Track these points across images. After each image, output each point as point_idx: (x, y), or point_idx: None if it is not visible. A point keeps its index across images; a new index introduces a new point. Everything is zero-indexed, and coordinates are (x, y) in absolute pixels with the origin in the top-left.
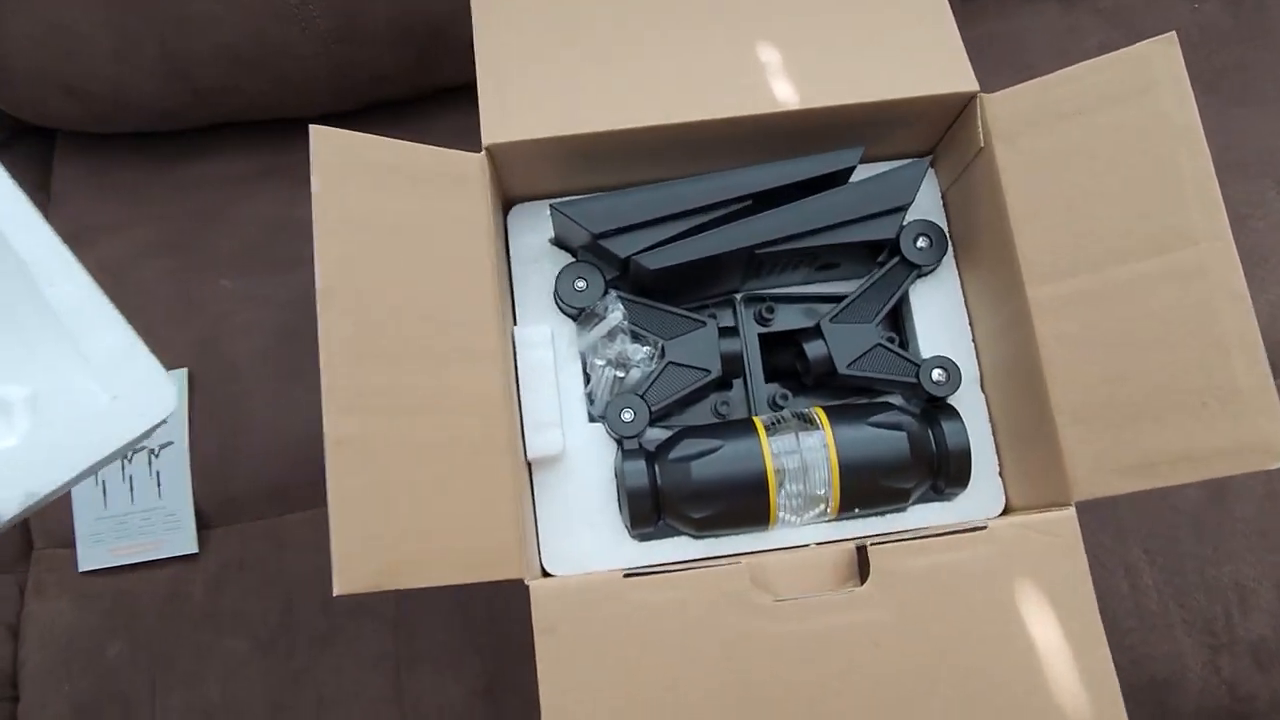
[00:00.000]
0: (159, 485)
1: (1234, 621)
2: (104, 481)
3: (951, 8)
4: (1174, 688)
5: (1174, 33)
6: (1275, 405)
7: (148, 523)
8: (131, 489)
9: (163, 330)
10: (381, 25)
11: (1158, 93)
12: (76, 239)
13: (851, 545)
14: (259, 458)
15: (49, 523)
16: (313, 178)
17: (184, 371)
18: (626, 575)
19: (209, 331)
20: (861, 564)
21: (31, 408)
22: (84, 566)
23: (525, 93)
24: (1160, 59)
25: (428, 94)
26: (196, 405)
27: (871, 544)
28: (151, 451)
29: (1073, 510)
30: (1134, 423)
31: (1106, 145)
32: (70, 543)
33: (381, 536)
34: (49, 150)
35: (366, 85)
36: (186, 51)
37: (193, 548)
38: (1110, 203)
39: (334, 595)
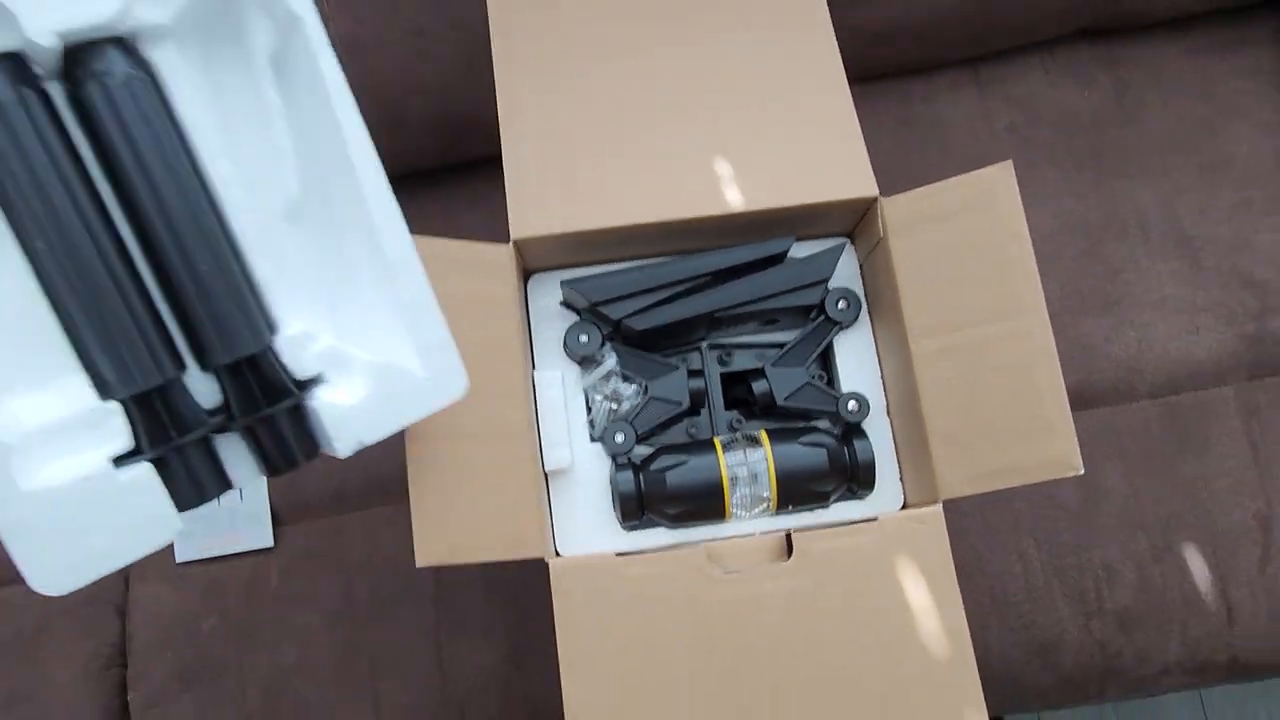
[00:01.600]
0: (241, 491)
1: (1103, 594)
2: None
3: (884, 93)
4: (1056, 648)
5: (1010, 160)
6: (1072, 432)
7: (232, 521)
8: None
9: None
10: (421, 119)
11: (997, 205)
12: None
13: (782, 533)
14: (322, 467)
15: None
16: None
17: None
18: (619, 555)
19: None
20: (789, 546)
21: (373, 377)
22: (180, 558)
23: (542, 198)
24: (1000, 181)
25: (455, 165)
26: None
27: (796, 532)
28: None
29: (939, 506)
30: (981, 442)
31: (963, 241)
32: None
33: (447, 526)
34: None
35: (405, 160)
36: None
37: (269, 542)
38: (966, 283)
39: (416, 567)
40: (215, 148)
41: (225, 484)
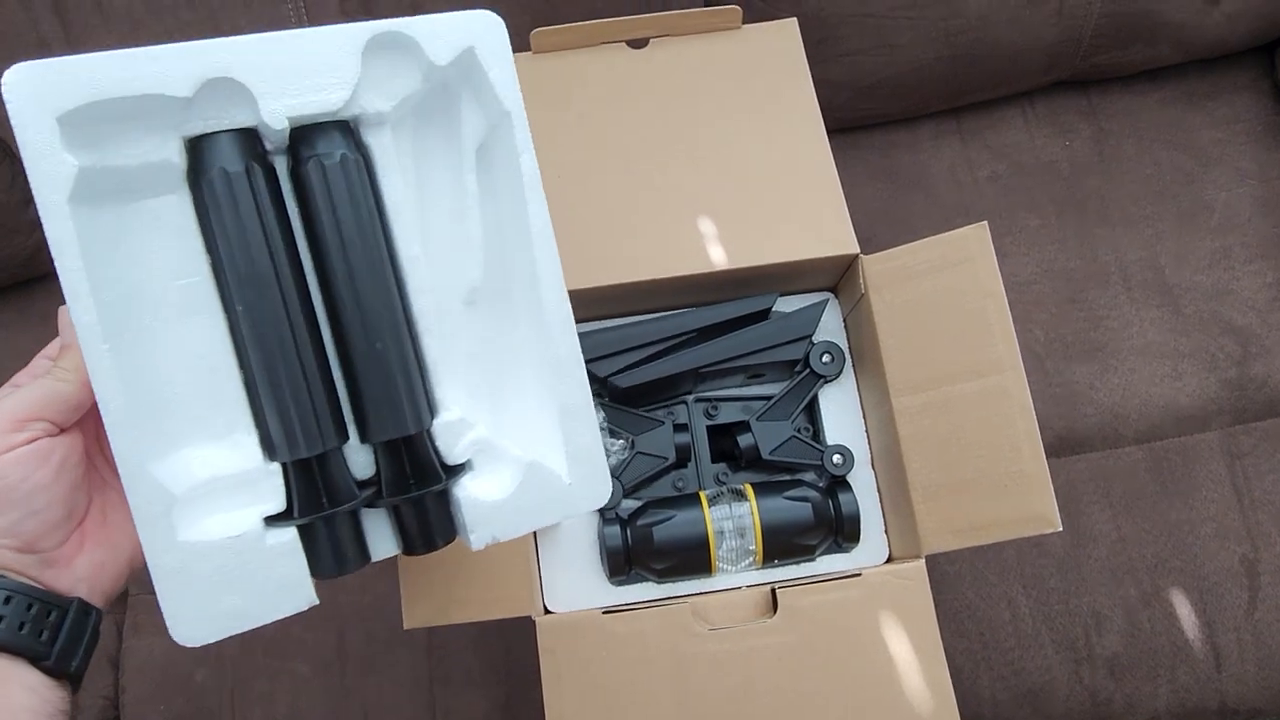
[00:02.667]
0: None
1: (1092, 641)
2: None
3: (868, 143)
4: (1045, 694)
5: (985, 222)
6: (1049, 487)
7: None
8: None
9: None
10: None
11: (975, 264)
12: None
13: (767, 588)
14: None
15: (143, 572)
16: None
17: None
18: (605, 612)
19: None
20: (774, 601)
21: (519, 472)
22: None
23: None
24: (976, 240)
25: None
26: None
27: (780, 587)
28: None
29: (922, 561)
30: (961, 497)
31: (942, 299)
32: None
33: (436, 587)
34: None
35: None
36: None
37: None
38: (945, 340)
39: (404, 629)
40: (411, 230)
41: (365, 557)
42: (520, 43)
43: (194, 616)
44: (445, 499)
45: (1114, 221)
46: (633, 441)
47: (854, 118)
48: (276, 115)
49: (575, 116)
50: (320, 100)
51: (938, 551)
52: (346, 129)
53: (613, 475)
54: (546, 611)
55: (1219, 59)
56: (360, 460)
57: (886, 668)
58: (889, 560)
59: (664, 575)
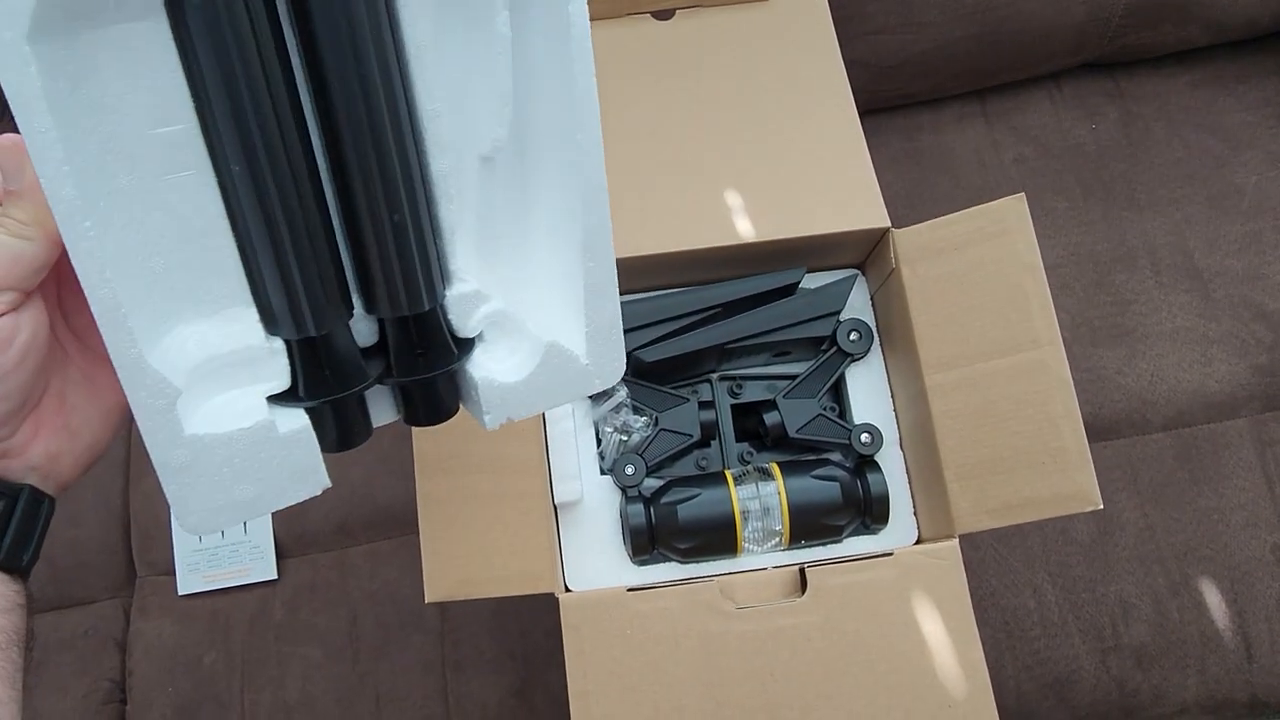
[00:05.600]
0: (245, 523)
1: (1119, 629)
2: None
3: (891, 125)
4: (1072, 684)
5: (1023, 193)
6: (1090, 464)
7: (236, 554)
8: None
9: None
10: None
11: (1011, 236)
12: None
13: (795, 567)
14: (327, 501)
15: (151, 554)
16: None
17: None
18: (629, 590)
19: None
20: (802, 581)
21: (536, 354)
22: (183, 590)
23: None
24: (1013, 212)
25: None
26: None
27: (810, 566)
28: None
29: (956, 541)
30: (996, 476)
31: (977, 273)
32: (170, 571)
33: (456, 561)
34: None
35: None
36: None
37: (273, 574)
38: (980, 314)
39: (425, 602)
40: (434, 79)
41: (368, 430)
42: None
43: (204, 508)
44: (457, 380)
45: (1142, 205)
46: (656, 419)
47: (877, 98)
48: None
49: (599, 89)
50: None
51: (971, 531)
52: None
53: (636, 453)
54: (568, 590)
55: (1249, 41)
56: (364, 328)
57: (919, 649)
58: (918, 542)
59: (688, 555)
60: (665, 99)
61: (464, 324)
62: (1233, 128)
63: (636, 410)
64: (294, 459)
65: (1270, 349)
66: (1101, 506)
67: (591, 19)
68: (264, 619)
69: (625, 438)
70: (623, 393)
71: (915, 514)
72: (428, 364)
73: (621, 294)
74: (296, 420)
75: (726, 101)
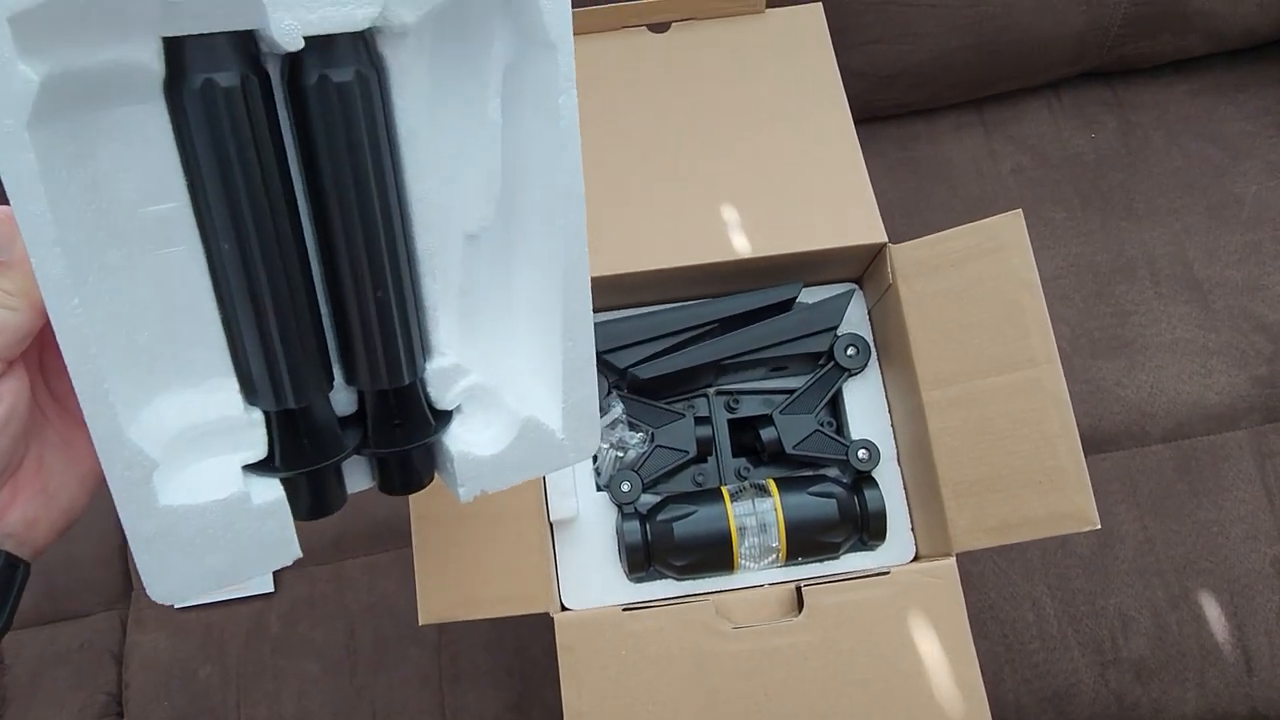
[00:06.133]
0: None
1: (1119, 643)
2: None
3: (888, 134)
4: (1071, 698)
5: (1020, 210)
6: (1087, 484)
7: None
8: None
9: None
10: None
11: (1009, 253)
12: None
13: (792, 585)
14: None
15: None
16: None
17: None
18: (624, 609)
19: None
20: (799, 600)
21: (514, 427)
22: (179, 604)
23: None
24: (1010, 229)
25: None
26: None
27: (806, 585)
28: None
29: (953, 560)
30: (994, 494)
31: (974, 290)
32: None
33: (451, 581)
34: None
35: None
36: None
37: (270, 588)
38: (977, 331)
39: (419, 625)
40: (423, 162)
41: (343, 498)
42: None
43: (174, 578)
44: (433, 452)
45: (1141, 215)
46: (652, 435)
47: (873, 108)
48: (289, 32)
49: (595, 102)
50: (346, 15)
51: (969, 550)
52: (361, 40)
53: (632, 470)
54: (564, 608)
55: (1247, 50)
56: (343, 397)
57: (916, 670)
58: (915, 559)
59: (684, 572)
60: (661, 112)
61: (442, 397)
62: (1232, 137)
63: (632, 426)
64: (267, 530)
65: (1270, 360)
66: (1099, 526)
67: (586, 31)
68: (260, 633)
69: (621, 454)
70: (618, 409)
71: (913, 530)
72: (405, 436)
73: (618, 309)
74: (271, 491)
75: (722, 115)
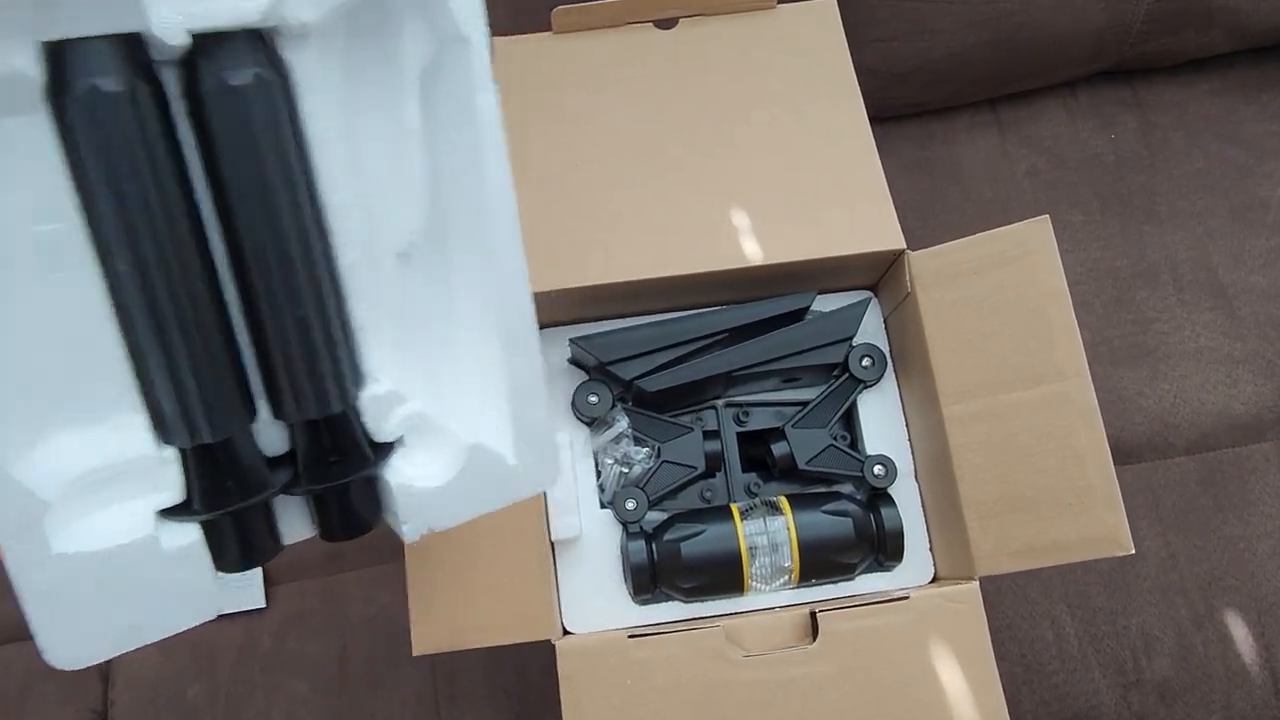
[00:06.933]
0: None
1: (1141, 663)
2: None
3: (900, 134)
4: None
5: (1047, 216)
6: (1119, 504)
7: (223, 580)
8: None
9: None
10: None
11: (1034, 261)
12: None
13: (806, 610)
14: None
15: None
16: None
17: None
18: (630, 635)
19: None
20: (813, 626)
21: (461, 460)
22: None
23: (550, 253)
24: (1036, 235)
25: None
26: None
27: (821, 610)
28: None
29: (976, 584)
30: (1019, 515)
31: (997, 299)
32: None
33: (446, 609)
34: None
35: None
36: None
37: (261, 603)
38: (1001, 343)
39: (413, 655)
40: (339, 172)
41: (276, 545)
42: (541, 22)
43: (74, 638)
44: (373, 489)
45: (1162, 218)
46: (659, 449)
47: (886, 107)
48: (171, 26)
49: (599, 101)
50: (231, 7)
51: (993, 574)
52: (260, 40)
53: (637, 486)
54: (566, 633)
55: (1272, 47)
56: (272, 434)
57: (937, 701)
58: (934, 580)
59: (692, 594)
60: (668, 112)
61: (380, 427)
62: (1256, 137)
63: (638, 441)
64: (182, 579)
65: None
66: (1132, 550)
67: (588, 28)
68: (251, 650)
69: (626, 470)
70: (623, 422)
71: (931, 550)
72: (341, 470)
73: (623, 318)
74: (184, 536)
75: (732, 114)
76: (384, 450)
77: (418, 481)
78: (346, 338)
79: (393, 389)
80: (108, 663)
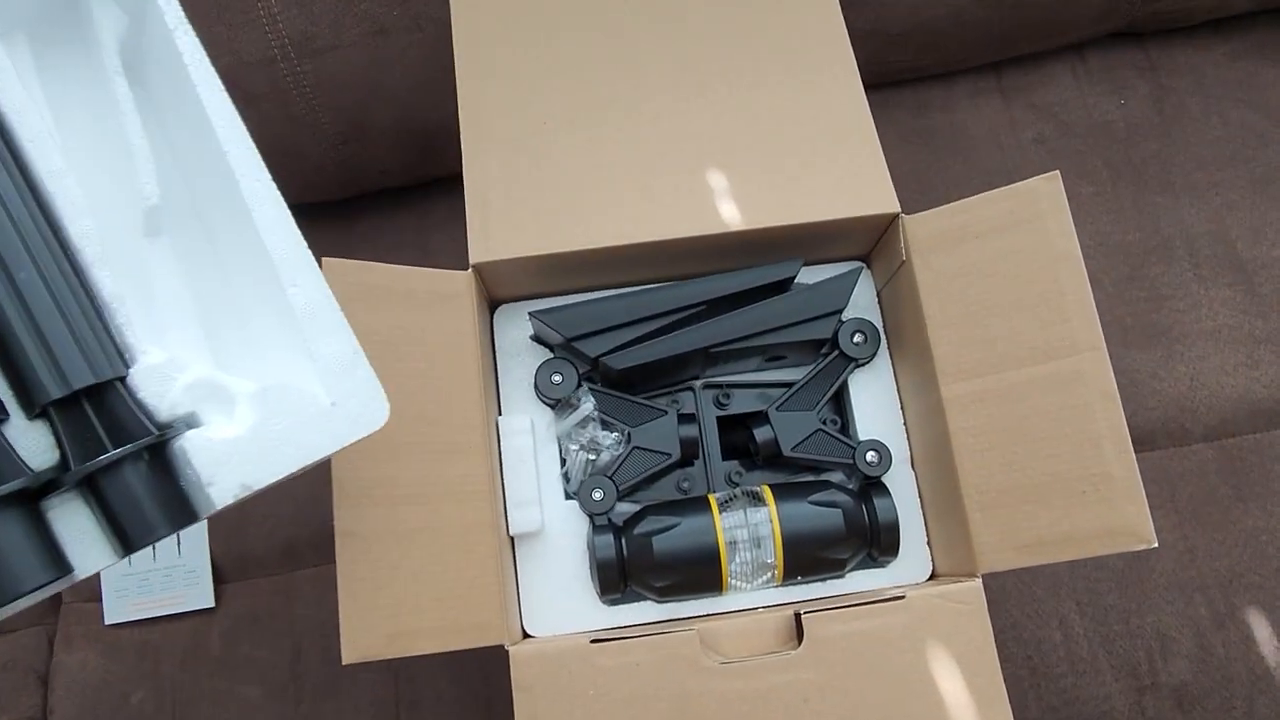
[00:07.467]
0: (179, 544)
1: (1157, 666)
2: None
3: (899, 100)
4: None
5: (1058, 171)
6: (1140, 492)
7: (169, 579)
8: (154, 547)
9: None
10: (385, 128)
11: (1044, 222)
12: None
13: (790, 612)
14: (270, 518)
15: None
16: None
17: None
18: (593, 641)
19: None
20: (798, 628)
21: (259, 403)
22: (110, 619)
23: (507, 217)
24: (1046, 194)
25: (428, 182)
26: None
27: (806, 612)
28: None
29: (979, 581)
30: (1028, 506)
31: (1003, 265)
32: (97, 597)
33: (383, 612)
34: None
35: (371, 178)
36: None
37: (210, 602)
38: (1007, 315)
39: (342, 665)
40: (44, 140)
41: (57, 568)
42: None
43: None
44: (166, 462)
45: (1177, 189)
46: (629, 434)
47: (882, 72)
48: None
49: (564, 52)
50: None
51: (997, 570)
52: None
53: (605, 475)
54: (526, 636)
55: None
56: (36, 444)
57: (936, 713)
58: (932, 577)
59: (666, 594)
60: (642, 65)
61: (162, 401)
62: (1276, 102)
63: (606, 425)
64: None
65: None
66: (1155, 543)
67: None
68: (199, 652)
69: (593, 457)
70: (590, 404)
71: (929, 544)
72: (114, 443)
73: (589, 290)
74: None
75: (712, 68)
76: (174, 429)
77: (213, 437)
78: (95, 307)
79: (169, 358)
80: (46, 667)
